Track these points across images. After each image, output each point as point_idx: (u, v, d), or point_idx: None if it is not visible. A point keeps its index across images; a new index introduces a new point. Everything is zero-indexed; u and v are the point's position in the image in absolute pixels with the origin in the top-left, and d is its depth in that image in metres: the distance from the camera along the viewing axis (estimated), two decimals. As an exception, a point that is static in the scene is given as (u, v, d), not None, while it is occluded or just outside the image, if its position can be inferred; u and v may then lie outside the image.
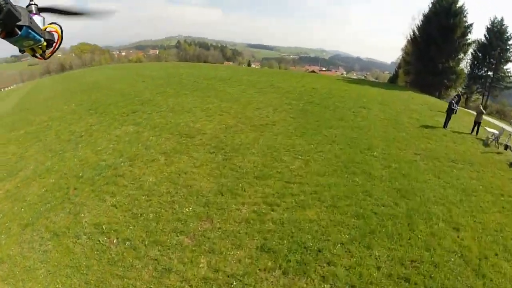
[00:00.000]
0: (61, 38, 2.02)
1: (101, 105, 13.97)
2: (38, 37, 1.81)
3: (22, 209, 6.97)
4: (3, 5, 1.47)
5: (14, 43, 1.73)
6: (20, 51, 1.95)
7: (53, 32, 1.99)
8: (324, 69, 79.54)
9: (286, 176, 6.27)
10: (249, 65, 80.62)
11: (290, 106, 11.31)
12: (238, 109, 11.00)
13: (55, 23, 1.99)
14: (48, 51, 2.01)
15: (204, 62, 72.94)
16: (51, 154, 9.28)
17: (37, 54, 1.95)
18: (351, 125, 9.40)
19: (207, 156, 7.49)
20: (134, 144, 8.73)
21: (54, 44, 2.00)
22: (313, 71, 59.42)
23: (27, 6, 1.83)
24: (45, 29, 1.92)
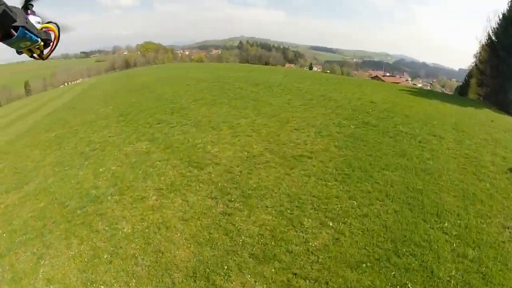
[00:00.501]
0: (58, 37, 2.01)
1: (134, 110, 13.32)
2: (34, 37, 1.79)
3: (4, 234, 6.35)
4: None
5: (10, 45, 1.72)
6: (17, 52, 1.94)
7: (50, 32, 1.98)
8: (388, 74, 73.61)
9: (298, 263, 4.13)
10: (310, 68, 79.24)
11: (338, 128, 8.82)
12: (272, 129, 8.96)
13: (51, 22, 1.98)
14: (46, 51, 2.03)
15: (265, 63, 73.43)
16: (58, 168, 8.73)
17: (35, 55, 1.99)
18: (416, 165, 6.58)
19: (204, 204, 5.68)
20: (136, 170, 7.46)
21: (51, 43, 2.01)
22: (376, 76, 55.55)
23: (22, 7, 1.82)
24: (41, 29, 1.91)
